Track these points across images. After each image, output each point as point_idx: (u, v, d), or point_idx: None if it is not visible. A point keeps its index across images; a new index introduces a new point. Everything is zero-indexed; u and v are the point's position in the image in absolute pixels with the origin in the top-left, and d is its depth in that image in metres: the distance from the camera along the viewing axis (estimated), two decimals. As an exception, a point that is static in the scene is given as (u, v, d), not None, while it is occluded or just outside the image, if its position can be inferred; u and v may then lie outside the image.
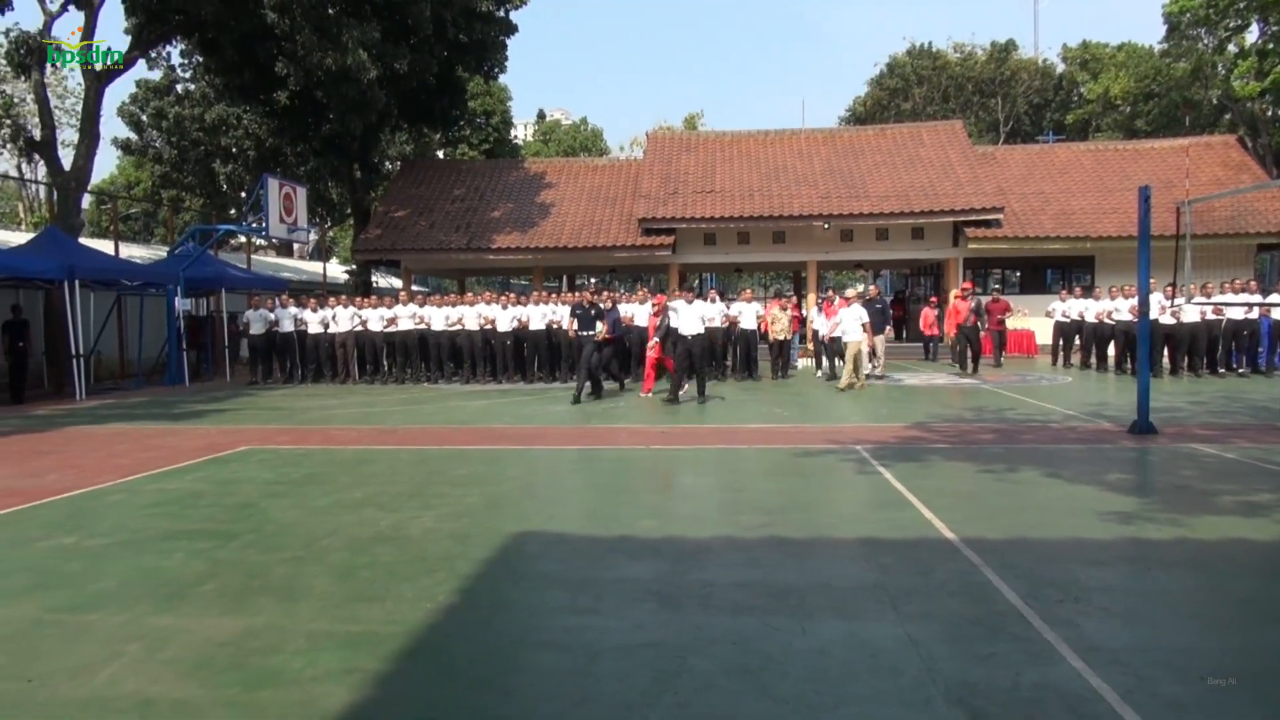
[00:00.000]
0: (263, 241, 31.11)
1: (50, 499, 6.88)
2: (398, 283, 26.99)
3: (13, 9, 17.44)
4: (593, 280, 23.72)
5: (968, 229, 21.45)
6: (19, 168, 35.15)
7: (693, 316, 12.64)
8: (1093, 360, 17.43)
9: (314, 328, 17.08)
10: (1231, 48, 28.45)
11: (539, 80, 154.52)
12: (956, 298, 18.05)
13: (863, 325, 14.27)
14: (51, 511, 6.48)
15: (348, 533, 5.64)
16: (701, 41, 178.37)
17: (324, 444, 9.56)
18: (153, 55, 22.09)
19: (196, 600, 4.41)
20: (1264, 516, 5.69)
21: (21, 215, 40.21)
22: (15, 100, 30.27)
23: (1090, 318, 17.41)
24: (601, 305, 13.77)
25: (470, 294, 21.87)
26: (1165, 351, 16.30)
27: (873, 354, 15.73)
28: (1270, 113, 30.90)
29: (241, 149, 29.07)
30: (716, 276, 39.81)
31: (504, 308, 16.23)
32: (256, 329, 17.34)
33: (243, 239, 29.22)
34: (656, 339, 13.05)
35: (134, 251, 22.91)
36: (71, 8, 18.36)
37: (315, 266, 32.02)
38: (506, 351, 16.30)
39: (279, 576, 4.76)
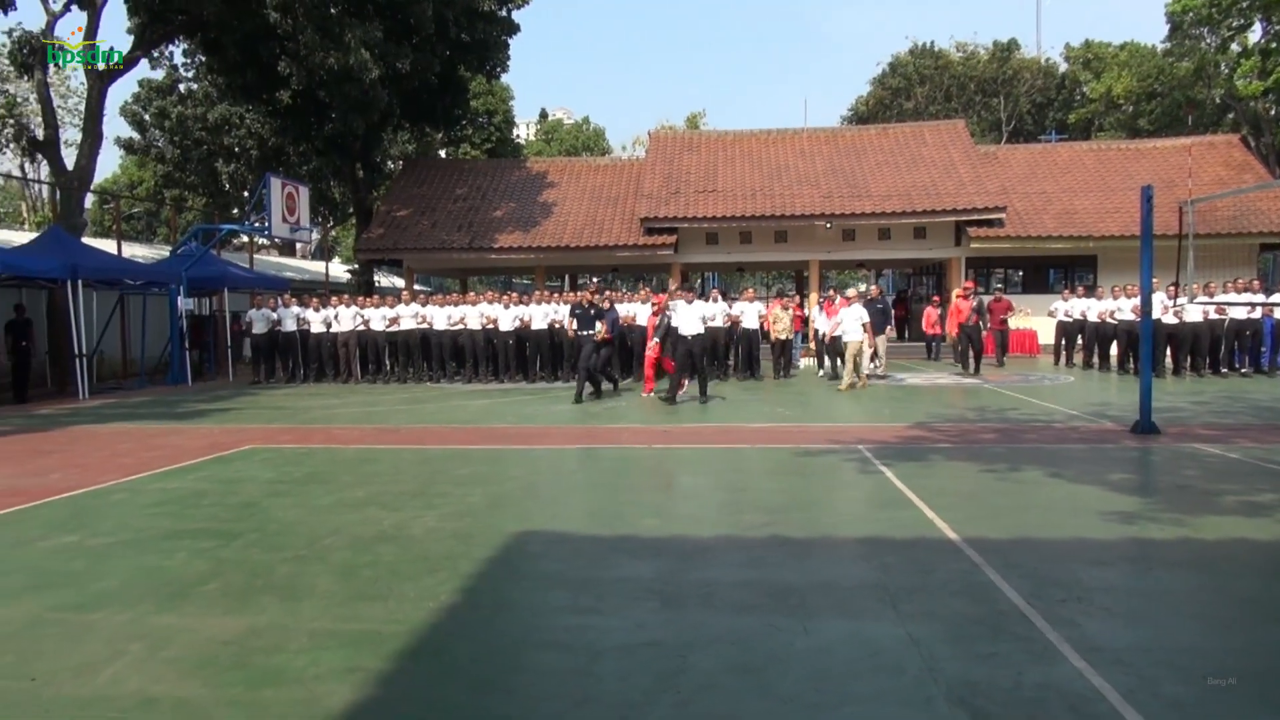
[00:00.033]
0: (265, 241, 31.25)
1: (53, 498, 6.88)
2: (400, 282, 27.03)
3: (15, 9, 17.49)
4: (594, 280, 23.71)
5: (970, 228, 21.43)
6: (22, 167, 35.24)
7: (693, 316, 12.56)
8: (1095, 360, 17.41)
9: (316, 327, 17.10)
10: (1234, 47, 28.38)
11: (541, 80, 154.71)
12: (959, 297, 18.02)
13: (863, 325, 14.26)
14: (54, 511, 6.49)
15: (350, 532, 5.65)
16: (704, 41, 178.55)
17: (326, 443, 9.58)
18: (155, 55, 22.11)
19: (199, 599, 4.42)
20: (1266, 516, 5.69)
21: (25, 215, 40.31)
22: (18, 100, 30.34)
23: (1093, 317, 17.38)
24: (601, 305, 13.77)
25: (472, 293, 21.83)
26: (1168, 351, 16.25)
27: (875, 354, 15.72)
28: (1273, 112, 30.82)
29: (244, 148, 29.07)
30: (719, 276, 39.82)
31: (506, 307, 16.22)
32: (259, 328, 17.37)
33: (245, 238, 29.32)
34: (656, 339, 13.05)
35: (137, 251, 22.98)
36: (74, 7, 18.42)
37: (318, 266, 32.05)
38: (509, 351, 16.30)
39: (281, 575, 4.77)
